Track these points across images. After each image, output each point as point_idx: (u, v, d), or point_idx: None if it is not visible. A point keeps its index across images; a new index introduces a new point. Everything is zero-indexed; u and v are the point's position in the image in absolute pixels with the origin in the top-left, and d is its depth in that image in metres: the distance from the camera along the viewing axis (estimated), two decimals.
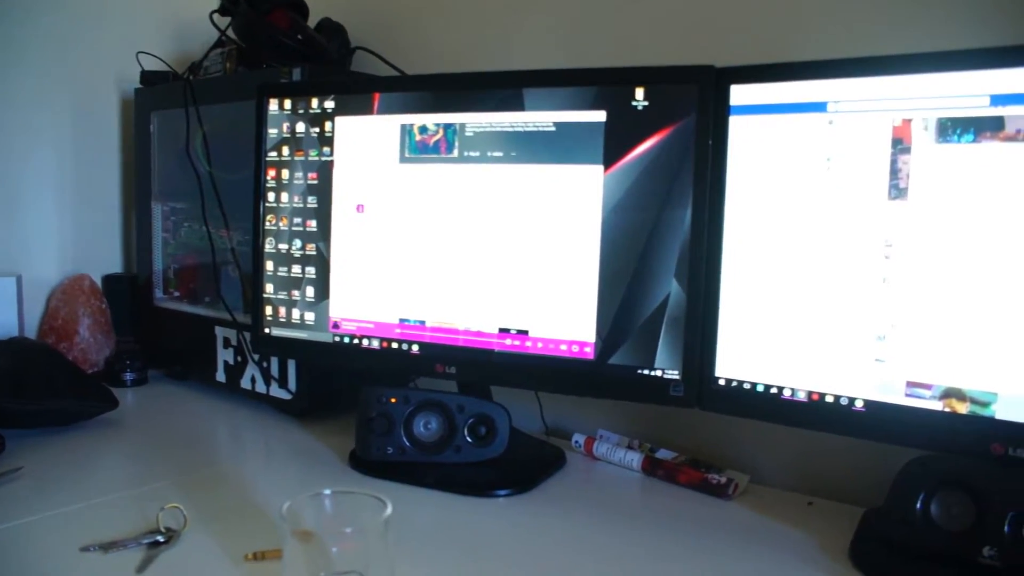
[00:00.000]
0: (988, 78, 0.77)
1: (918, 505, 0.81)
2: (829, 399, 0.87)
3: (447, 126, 1.05)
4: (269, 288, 1.17)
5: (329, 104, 1.12)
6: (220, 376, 1.40)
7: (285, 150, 1.15)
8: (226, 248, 1.36)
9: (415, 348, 1.08)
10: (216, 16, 1.40)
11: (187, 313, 1.49)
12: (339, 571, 0.65)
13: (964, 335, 0.79)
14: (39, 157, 1.56)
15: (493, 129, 1.02)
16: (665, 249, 0.94)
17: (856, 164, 0.84)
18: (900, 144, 0.81)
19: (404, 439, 1.06)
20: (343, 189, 1.11)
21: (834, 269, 0.86)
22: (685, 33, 1.16)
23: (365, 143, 1.10)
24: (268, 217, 1.17)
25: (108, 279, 1.61)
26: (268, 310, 1.18)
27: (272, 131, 1.16)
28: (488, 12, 1.38)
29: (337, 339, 1.13)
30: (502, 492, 1.01)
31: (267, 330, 1.18)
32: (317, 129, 1.13)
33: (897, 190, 0.82)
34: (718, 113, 0.92)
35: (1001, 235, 0.77)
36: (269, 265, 1.17)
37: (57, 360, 1.29)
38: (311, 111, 1.13)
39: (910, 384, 0.82)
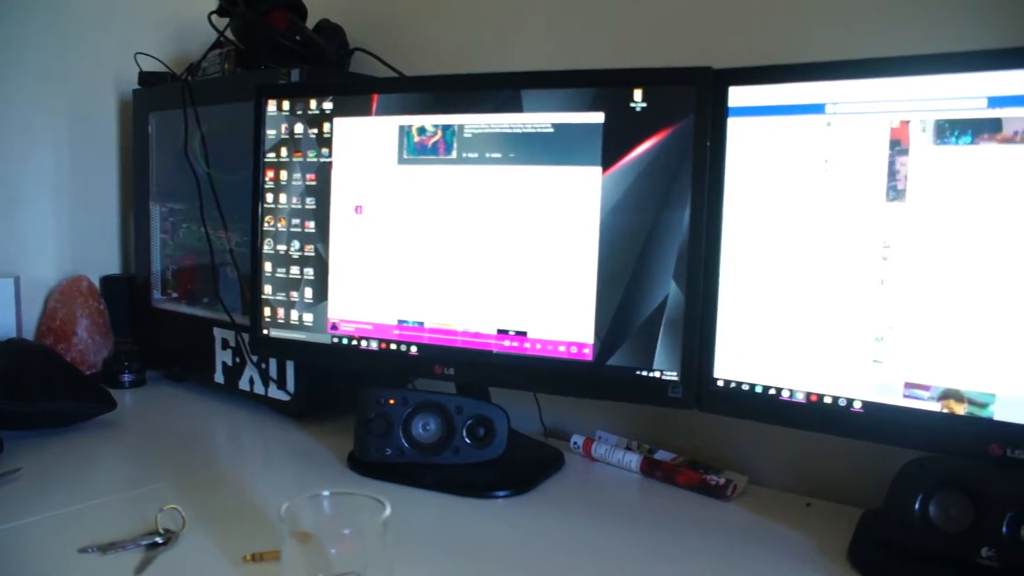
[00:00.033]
0: (986, 80, 0.77)
1: (916, 506, 0.81)
2: (827, 400, 0.87)
3: (445, 127, 1.05)
4: (267, 289, 1.17)
5: (327, 105, 1.12)
6: (218, 377, 1.40)
7: (283, 151, 1.15)
8: (224, 249, 1.36)
9: (413, 349, 1.08)
10: (214, 17, 1.40)
11: (185, 314, 1.49)
12: (338, 572, 0.65)
13: (962, 336, 0.79)
14: (37, 158, 1.56)
15: (491, 130, 1.02)
16: (663, 250, 0.94)
17: (854, 166, 0.84)
18: (898, 146, 0.82)
19: (403, 440, 1.06)
20: (342, 190, 1.11)
21: (832, 270, 0.86)
22: (683, 34, 1.16)
23: (364, 144, 1.10)
24: (267, 218, 1.17)
25: (106, 280, 1.61)
26: (267, 311, 1.18)
27: (270, 132, 1.16)
28: (486, 13, 1.38)
29: (335, 340, 1.13)
30: (501, 493, 1.01)
31: (265, 331, 1.18)
32: (316, 130, 1.13)
33: (895, 192, 0.82)
34: (716, 114, 0.92)
35: (999, 237, 0.77)
36: (268, 266, 1.17)
37: (55, 361, 1.29)
38: (310, 112, 1.13)
39: (908, 385, 0.82)
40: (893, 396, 0.83)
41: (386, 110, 1.09)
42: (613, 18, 1.23)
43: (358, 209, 1.11)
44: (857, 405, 0.85)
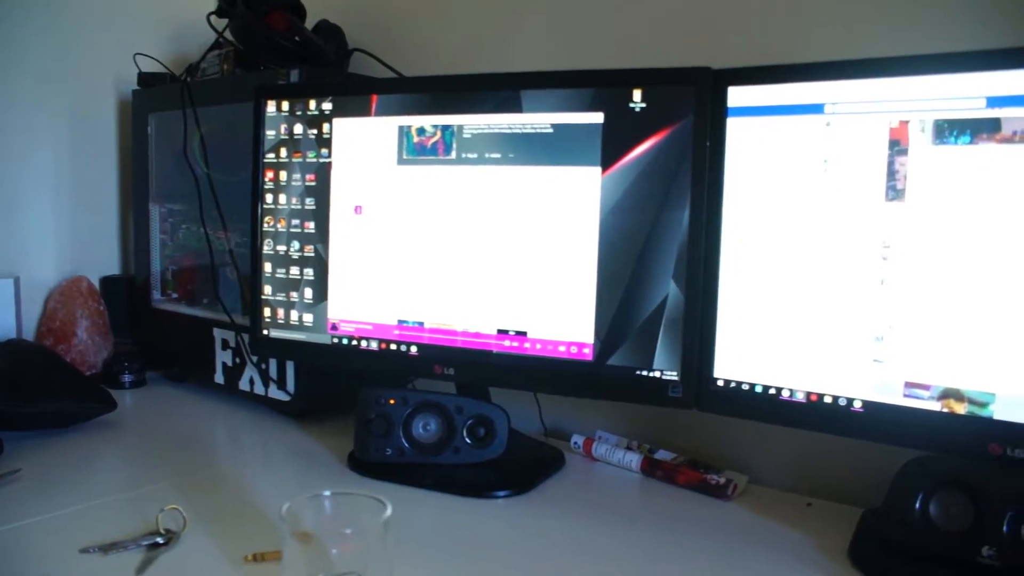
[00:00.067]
0: (985, 80, 0.77)
1: (917, 505, 0.81)
2: (827, 400, 0.87)
3: (445, 128, 1.05)
4: (267, 290, 1.17)
5: (327, 106, 1.12)
6: (219, 378, 1.40)
7: (283, 152, 1.15)
8: (224, 250, 1.36)
9: (413, 349, 1.08)
10: (214, 18, 1.40)
11: (185, 315, 1.49)
12: (338, 572, 0.65)
13: (962, 336, 0.79)
14: (37, 158, 1.56)
15: (491, 131, 1.02)
16: (663, 250, 0.94)
17: (853, 166, 0.84)
18: (897, 146, 0.82)
19: (403, 440, 1.06)
20: (341, 191, 1.12)
21: (832, 270, 0.86)
22: (682, 35, 1.16)
23: (363, 145, 1.10)
24: (266, 219, 1.17)
25: (106, 281, 1.61)
26: (266, 312, 1.18)
27: (270, 133, 1.16)
28: (485, 14, 1.38)
29: (335, 340, 1.13)
30: (501, 493, 1.01)
31: (265, 332, 1.18)
32: (315, 131, 1.13)
33: (894, 191, 0.82)
34: (716, 115, 0.92)
35: (998, 236, 0.77)
36: (267, 267, 1.17)
37: (55, 362, 1.29)
38: (309, 113, 1.13)
39: (908, 385, 0.82)
40: (893, 396, 0.83)
41: (385, 111, 1.09)
42: (612, 18, 1.23)
43: (358, 209, 1.11)
44: (857, 405, 0.85)
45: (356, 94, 1.11)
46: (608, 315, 0.97)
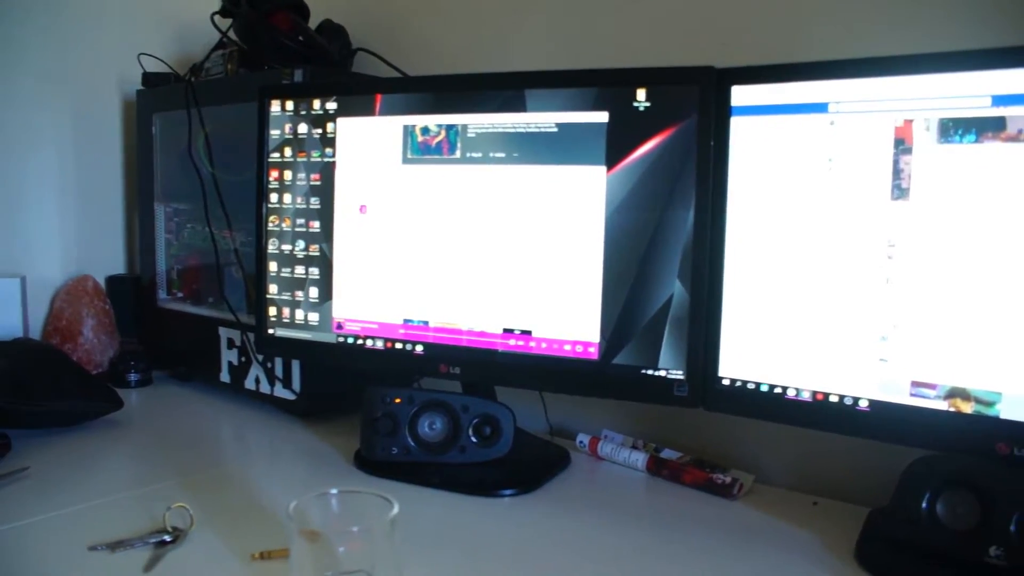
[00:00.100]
0: (990, 79, 0.77)
1: (924, 505, 0.81)
2: (833, 399, 0.87)
3: (449, 127, 1.05)
4: (273, 289, 1.18)
5: (331, 105, 1.12)
6: (224, 377, 1.40)
7: (287, 151, 1.15)
8: (229, 249, 1.37)
9: (419, 348, 1.09)
10: (217, 17, 1.40)
11: (191, 314, 1.49)
12: (346, 570, 0.65)
13: (968, 335, 0.79)
14: (42, 159, 1.56)
15: (495, 130, 1.02)
16: (668, 249, 0.94)
17: (858, 165, 0.84)
18: (902, 144, 0.82)
19: (409, 439, 1.07)
20: (346, 190, 1.12)
21: (837, 269, 0.86)
22: (685, 34, 1.16)
23: (367, 144, 1.10)
24: (271, 218, 1.17)
25: (112, 280, 1.62)
26: (272, 311, 1.18)
27: (274, 132, 1.16)
28: (488, 13, 1.38)
29: (341, 340, 1.13)
30: (507, 492, 1.01)
31: (271, 331, 1.19)
32: (319, 130, 1.13)
33: (899, 190, 0.82)
34: (719, 114, 0.92)
35: (1004, 235, 0.77)
36: (272, 266, 1.17)
37: (62, 361, 1.29)
38: (313, 112, 1.13)
39: (915, 384, 0.82)
40: (899, 395, 0.83)
41: (390, 110, 1.09)
42: (615, 18, 1.23)
43: (362, 209, 1.11)
44: (863, 404, 0.85)
45: (360, 93, 1.11)
46: (613, 314, 0.98)
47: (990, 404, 0.78)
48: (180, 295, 1.56)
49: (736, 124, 0.92)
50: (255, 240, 1.19)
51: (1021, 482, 0.76)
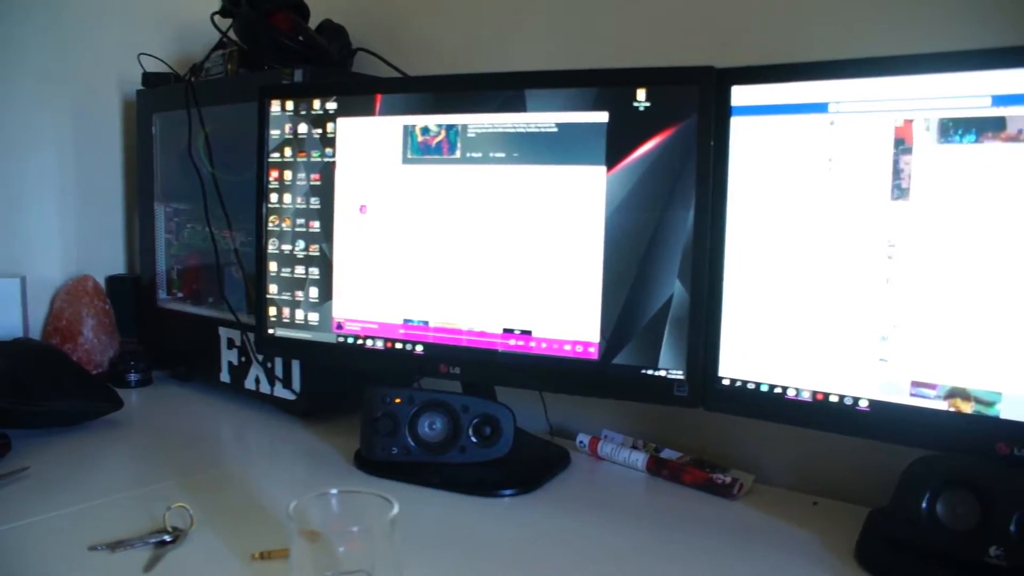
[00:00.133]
0: (990, 79, 0.77)
1: (924, 505, 0.81)
2: (833, 399, 0.87)
3: (449, 127, 1.05)
4: (273, 289, 1.18)
5: (331, 105, 1.12)
6: (224, 377, 1.40)
7: (287, 151, 1.15)
8: (229, 249, 1.37)
9: (419, 348, 1.09)
10: (217, 17, 1.40)
11: (191, 314, 1.49)
12: (346, 570, 0.66)
13: (968, 335, 0.79)
14: (41, 159, 1.56)
15: (495, 130, 1.02)
16: (668, 249, 0.94)
17: (858, 165, 0.84)
18: (902, 144, 0.82)
19: (409, 439, 1.07)
20: (346, 190, 1.12)
21: (837, 269, 0.86)
22: (684, 34, 1.16)
23: (367, 144, 1.10)
24: (271, 218, 1.17)
25: (111, 280, 1.62)
26: (272, 311, 1.18)
27: (274, 132, 1.16)
28: (488, 13, 1.38)
29: (341, 340, 1.14)
30: (507, 492, 1.01)
31: (271, 331, 1.19)
32: (319, 130, 1.13)
33: (899, 190, 0.82)
34: (719, 114, 0.92)
35: (1004, 235, 0.77)
36: (272, 266, 1.17)
37: (62, 361, 1.30)
38: (313, 112, 1.13)
39: (915, 384, 0.82)
40: (899, 395, 0.83)
41: (390, 110, 1.09)
42: (615, 18, 1.23)
43: (362, 209, 1.11)
44: (863, 404, 0.85)
45: (360, 93, 1.11)
46: (613, 314, 0.98)
47: (990, 404, 0.78)
48: (180, 295, 1.56)
49: (736, 124, 0.92)
50: (255, 240, 1.19)
51: (1021, 482, 0.76)
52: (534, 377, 1.04)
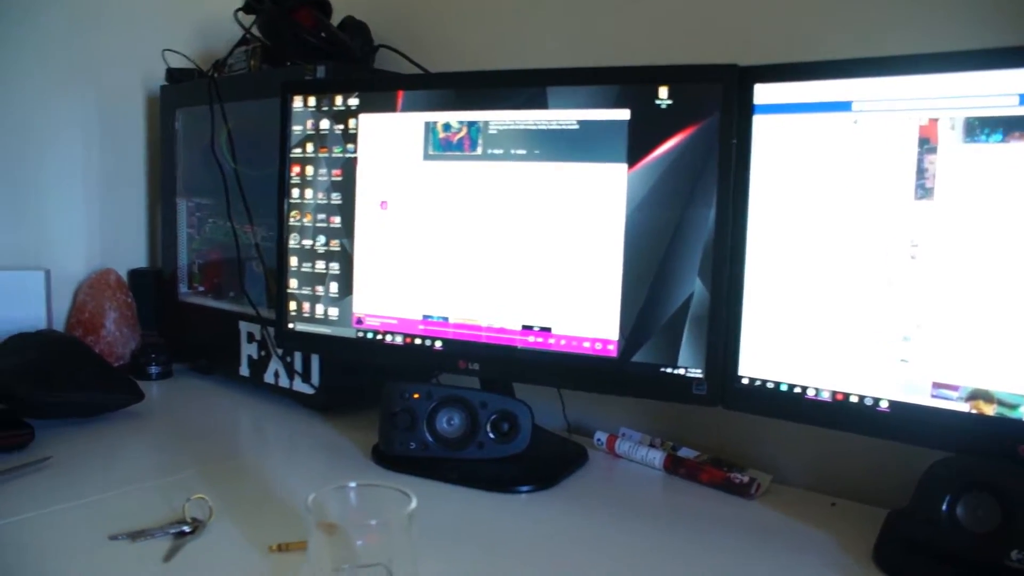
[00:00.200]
0: (1017, 77, 0.76)
1: (944, 507, 0.80)
2: (853, 399, 0.86)
3: (471, 124, 1.05)
4: (293, 283, 1.18)
5: (353, 101, 1.13)
6: (244, 370, 1.41)
7: (309, 147, 1.16)
8: (250, 244, 1.37)
9: (438, 344, 1.09)
10: (241, 14, 1.41)
11: (211, 308, 1.50)
12: (363, 563, 0.66)
13: (992, 336, 0.78)
14: (66, 154, 1.58)
15: (517, 127, 1.03)
16: (689, 248, 0.94)
17: (882, 164, 0.84)
18: (926, 144, 0.81)
19: (427, 435, 1.07)
20: (367, 186, 1.12)
21: (859, 269, 0.85)
22: (708, 31, 1.16)
23: (389, 140, 1.10)
24: (292, 213, 1.18)
25: (134, 274, 1.63)
26: (292, 305, 1.19)
27: (296, 128, 1.17)
28: (510, 10, 1.38)
29: (360, 335, 1.14)
30: (524, 488, 1.01)
31: (291, 325, 1.19)
32: (341, 126, 1.14)
33: (923, 190, 0.81)
34: (742, 112, 0.92)
35: None
36: (293, 261, 1.18)
37: (84, 353, 1.31)
38: (335, 108, 1.14)
39: (936, 385, 0.81)
40: (921, 396, 0.82)
41: (411, 106, 1.09)
42: (637, 16, 1.23)
43: (383, 204, 1.11)
44: (884, 405, 0.84)
45: (382, 90, 1.12)
46: (633, 312, 0.97)
47: (1014, 407, 0.77)
48: (201, 289, 1.58)
49: (758, 122, 0.91)
50: (276, 235, 1.20)
51: None
52: (553, 374, 1.04)
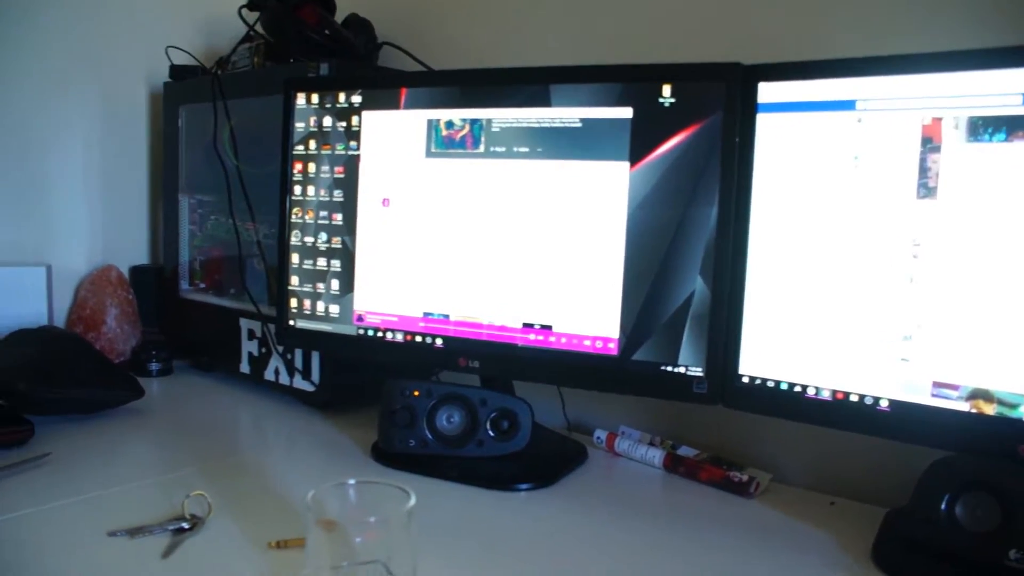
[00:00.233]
0: (1021, 77, 0.76)
1: (943, 506, 0.80)
2: (854, 398, 0.86)
3: (473, 121, 1.05)
4: (294, 281, 1.18)
5: (356, 99, 1.13)
6: (244, 367, 1.41)
7: (312, 144, 1.16)
8: (252, 241, 1.37)
9: (439, 342, 1.09)
10: (245, 11, 1.41)
11: (212, 305, 1.50)
12: (362, 560, 0.66)
13: (993, 336, 0.78)
14: (68, 150, 1.58)
15: (519, 125, 1.02)
16: (690, 246, 0.94)
17: (884, 163, 0.84)
18: (930, 143, 0.81)
19: (427, 432, 1.07)
20: (369, 183, 1.12)
21: (861, 268, 0.85)
22: (712, 30, 1.16)
23: (391, 137, 1.10)
24: (294, 210, 1.18)
25: (135, 270, 1.63)
26: (293, 302, 1.19)
27: (299, 125, 1.17)
28: (514, 8, 1.38)
29: (361, 332, 1.14)
30: (523, 486, 1.01)
31: (292, 322, 1.19)
32: (344, 123, 1.13)
33: (926, 189, 0.81)
34: (745, 111, 0.92)
35: None
36: (294, 258, 1.18)
37: (85, 349, 1.31)
38: (338, 105, 1.14)
39: (936, 384, 0.81)
40: (921, 395, 0.82)
41: (414, 104, 1.09)
42: (641, 13, 1.23)
43: (385, 202, 1.11)
44: (884, 404, 0.84)
45: (385, 87, 1.12)
46: (634, 310, 0.97)
47: (1014, 406, 0.77)
48: (202, 286, 1.57)
49: (762, 121, 0.91)
50: (278, 232, 1.20)
51: None
52: (553, 372, 1.04)
